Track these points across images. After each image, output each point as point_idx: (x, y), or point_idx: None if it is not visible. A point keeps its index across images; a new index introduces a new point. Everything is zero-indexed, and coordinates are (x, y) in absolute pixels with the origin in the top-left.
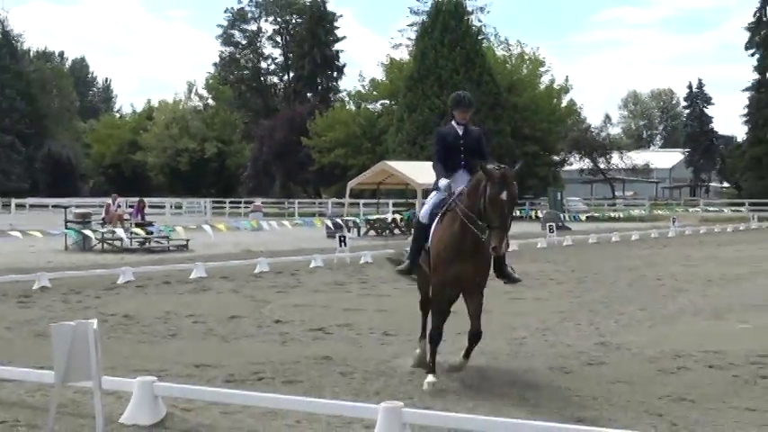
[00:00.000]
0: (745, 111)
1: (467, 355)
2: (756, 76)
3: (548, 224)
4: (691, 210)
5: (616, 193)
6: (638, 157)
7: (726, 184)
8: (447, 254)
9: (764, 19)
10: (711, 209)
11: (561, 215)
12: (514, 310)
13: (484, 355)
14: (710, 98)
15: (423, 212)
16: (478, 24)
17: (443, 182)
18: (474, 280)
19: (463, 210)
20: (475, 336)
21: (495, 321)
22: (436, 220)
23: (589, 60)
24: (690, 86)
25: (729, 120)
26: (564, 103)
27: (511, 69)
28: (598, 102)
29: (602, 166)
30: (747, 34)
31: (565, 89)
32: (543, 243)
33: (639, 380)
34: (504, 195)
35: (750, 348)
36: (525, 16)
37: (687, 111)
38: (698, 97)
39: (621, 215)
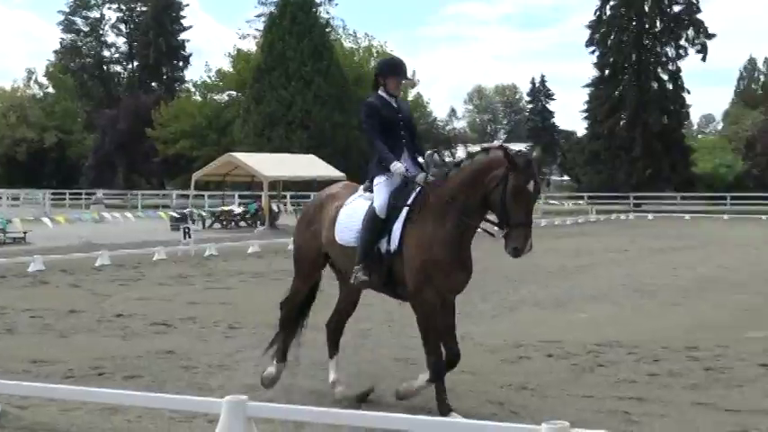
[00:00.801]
0: (585, 107)
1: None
2: (596, 72)
3: None
4: None
5: None
6: None
7: (566, 178)
8: (445, 261)
9: (604, 17)
10: (553, 202)
11: None
12: (360, 301)
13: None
14: (552, 94)
15: (379, 204)
16: (327, 16)
17: (397, 166)
18: (462, 289)
19: (459, 204)
20: (457, 358)
21: None
22: (403, 217)
23: (435, 55)
24: (533, 82)
25: (570, 115)
26: (411, 97)
27: (359, 62)
28: (444, 96)
29: (447, 159)
30: (588, 32)
31: (411, 83)
32: None
33: (482, 369)
34: (530, 186)
35: (587, 338)
36: (373, 9)
37: (530, 106)
38: (540, 93)
39: None
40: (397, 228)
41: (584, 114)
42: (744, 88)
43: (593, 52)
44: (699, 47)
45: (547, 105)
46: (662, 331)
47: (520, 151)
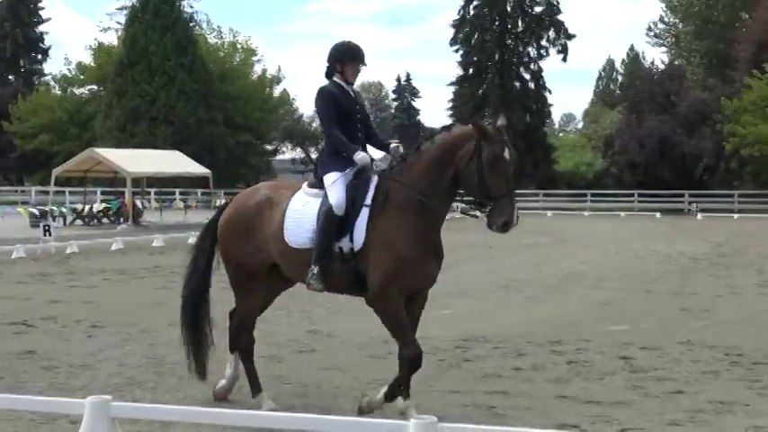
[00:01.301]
0: (450, 105)
1: (406, 390)
2: (460, 71)
3: None
4: None
5: None
6: None
7: None
8: (413, 254)
9: (468, 17)
10: None
11: None
12: (224, 299)
13: None
14: (418, 92)
15: (336, 202)
16: (190, 11)
17: (361, 156)
18: (432, 281)
19: (425, 190)
20: (418, 359)
21: None
22: (366, 213)
23: (301, 51)
24: (398, 80)
25: (435, 113)
26: (277, 93)
27: (223, 57)
28: (310, 92)
29: (313, 155)
30: (452, 31)
31: (277, 79)
32: None
33: (349, 366)
34: (507, 153)
35: (454, 333)
36: (237, 4)
37: (395, 103)
38: (406, 90)
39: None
40: (361, 225)
41: (450, 112)
42: (603, 88)
43: (457, 51)
44: (560, 47)
45: (412, 103)
46: (526, 326)
47: (485, 122)
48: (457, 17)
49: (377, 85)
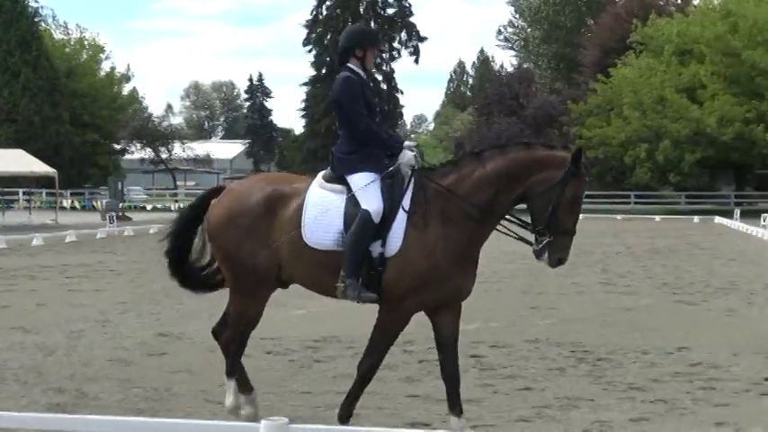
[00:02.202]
0: (303, 105)
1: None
2: (313, 72)
3: (108, 214)
4: None
5: (178, 183)
6: (199, 148)
7: None
8: (450, 265)
9: (321, 17)
10: None
11: (121, 205)
12: (72, 301)
13: (40, 350)
14: (270, 91)
15: (375, 209)
16: (35, 5)
17: (408, 156)
18: (466, 295)
19: (478, 201)
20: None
21: (51, 314)
22: (404, 217)
23: (151, 49)
24: (251, 79)
25: (288, 113)
26: (125, 91)
27: (70, 54)
28: (160, 91)
29: (163, 155)
30: (305, 31)
31: (126, 77)
32: (103, 233)
33: (200, 369)
34: (583, 193)
35: (306, 334)
36: (84, 0)
37: (248, 103)
38: (258, 90)
39: (183, 205)
40: (398, 230)
41: (303, 113)
42: (454, 90)
43: (310, 51)
44: (412, 49)
45: (265, 103)
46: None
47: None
48: (310, 17)
49: (229, 85)
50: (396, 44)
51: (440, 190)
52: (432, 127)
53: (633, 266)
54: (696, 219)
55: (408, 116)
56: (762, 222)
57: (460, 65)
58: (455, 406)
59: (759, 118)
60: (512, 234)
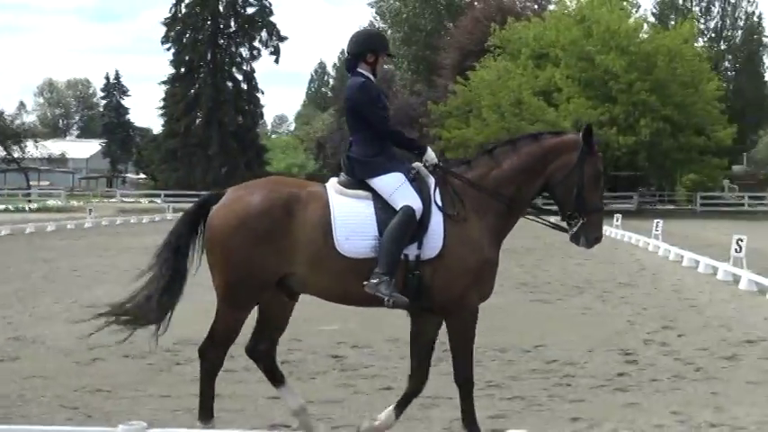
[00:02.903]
0: (162, 104)
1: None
2: (172, 70)
3: None
4: (108, 200)
5: (31, 183)
6: (54, 147)
7: (143, 176)
8: (496, 257)
9: (180, 15)
10: (128, 200)
11: None
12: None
13: None
14: (127, 89)
15: (418, 206)
16: None
17: (432, 154)
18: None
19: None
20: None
21: None
22: (440, 215)
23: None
24: (107, 77)
25: (146, 112)
26: None
27: None
28: (12, 88)
29: (16, 155)
30: (164, 29)
31: None
32: None
33: (55, 373)
34: (602, 168)
35: (165, 336)
36: None
37: (104, 101)
38: (115, 88)
39: (37, 206)
40: (437, 230)
41: (161, 112)
42: (315, 91)
43: (169, 49)
44: (272, 49)
45: (122, 101)
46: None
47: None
48: (168, 15)
49: (84, 82)
50: (256, 44)
51: (466, 185)
52: (293, 127)
53: None
54: (552, 219)
55: (269, 116)
56: (614, 222)
57: (321, 65)
58: (401, 408)
59: (612, 121)
60: (546, 223)
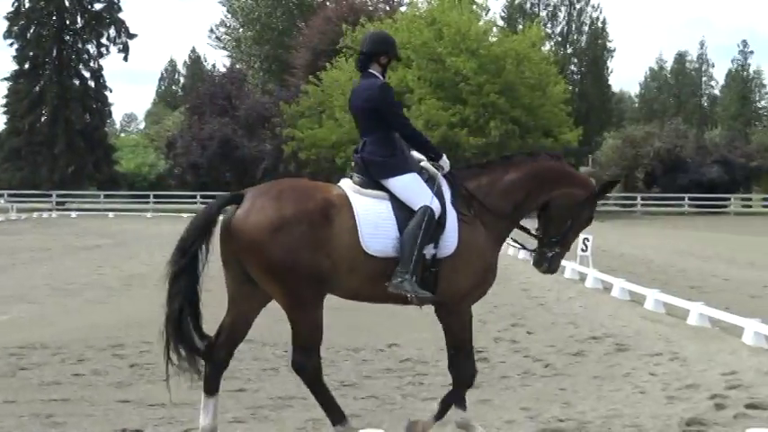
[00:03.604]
0: (4, 101)
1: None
2: (15, 66)
3: None
4: None
5: None
6: None
7: None
8: (496, 263)
9: (23, 9)
10: None
11: None
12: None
13: None
14: None
15: (437, 205)
16: None
17: (446, 160)
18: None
19: (501, 210)
20: (474, 377)
21: None
22: (455, 216)
23: None
24: None
25: None
26: None
27: None
28: None
29: None
30: (6, 23)
31: None
32: None
33: None
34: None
35: (9, 340)
36: None
37: None
38: None
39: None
40: (453, 230)
41: (3, 109)
42: (165, 89)
43: (11, 45)
44: (121, 46)
45: None
46: (87, 330)
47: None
48: (11, 9)
49: None
50: (104, 40)
51: (476, 191)
52: (142, 126)
53: None
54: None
55: (118, 115)
56: None
57: (172, 63)
58: (463, 403)
59: (462, 122)
60: (516, 244)
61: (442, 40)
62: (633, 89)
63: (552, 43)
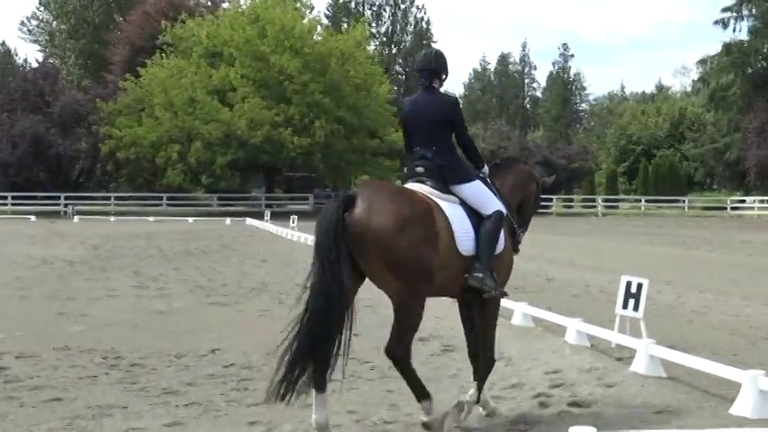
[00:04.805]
0: None
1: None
2: None
3: None
4: None
5: None
6: None
7: None
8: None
9: None
10: None
11: None
12: None
13: None
14: None
15: (502, 206)
16: None
17: (486, 168)
18: None
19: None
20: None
21: None
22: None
23: None
24: None
25: None
26: None
27: None
28: None
29: None
30: None
31: None
32: None
33: None
34: None
35: None
36: None
37: None
38: None
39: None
40: (503, 231)
41: None
42: None
43: None
44: None
45: None
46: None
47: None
48: None
49: None
50: None
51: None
52: None
53: (166, 269)
54: (228, 220)
55: None
56: (291, 224)
57: None
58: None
59: (287, 122)
60: None
61: (266, 37)
62: (457, 90)
63: (377, 43)
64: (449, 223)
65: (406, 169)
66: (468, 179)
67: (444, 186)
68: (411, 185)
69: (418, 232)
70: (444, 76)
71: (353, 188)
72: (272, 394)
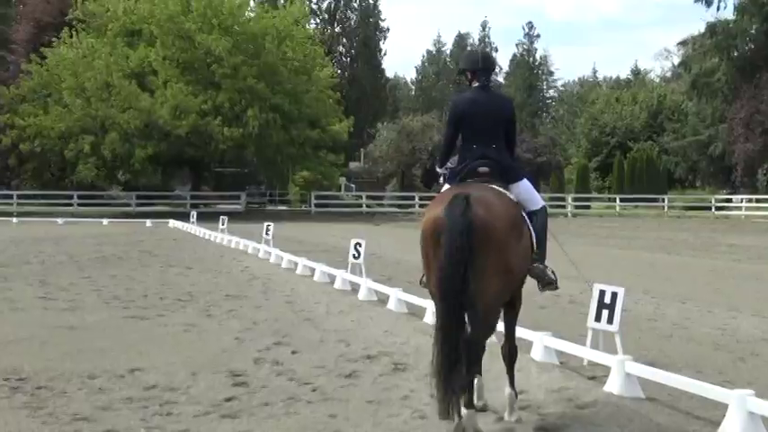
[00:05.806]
0: None
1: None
2: None
3: None
4: None
5: None
6: None
7: None
8: None
9: None
10: None
11: None
12: None
13: None
14: None
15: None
16: None
17: None
18: None
19: None
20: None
21: None
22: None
23: None
24: None
25: None
26: None
27: None
28: None
29: None
30: None
31: None
32: None
33: None
34: None
35: None
36: None
37: None
38: None
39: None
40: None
41: None
42: None
43: None
44: None
45: None
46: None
47: None
48: None
49: None
50: None
51: None
52: None
53: (77, 278)
54: (149, 222)
55: None
56: (220, 226)
57: None
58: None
59: (216, 110)
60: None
61: (191, 14)
62: (409, 74)
63: (318, 20)
64: (527, 221)
65: (457, 166)
66: (520, 177)
67: (506, 185)
68: (477, 184)
69: (523, 230)
70: (493, 75)
71: (459, 189)
72: (442, 414)
